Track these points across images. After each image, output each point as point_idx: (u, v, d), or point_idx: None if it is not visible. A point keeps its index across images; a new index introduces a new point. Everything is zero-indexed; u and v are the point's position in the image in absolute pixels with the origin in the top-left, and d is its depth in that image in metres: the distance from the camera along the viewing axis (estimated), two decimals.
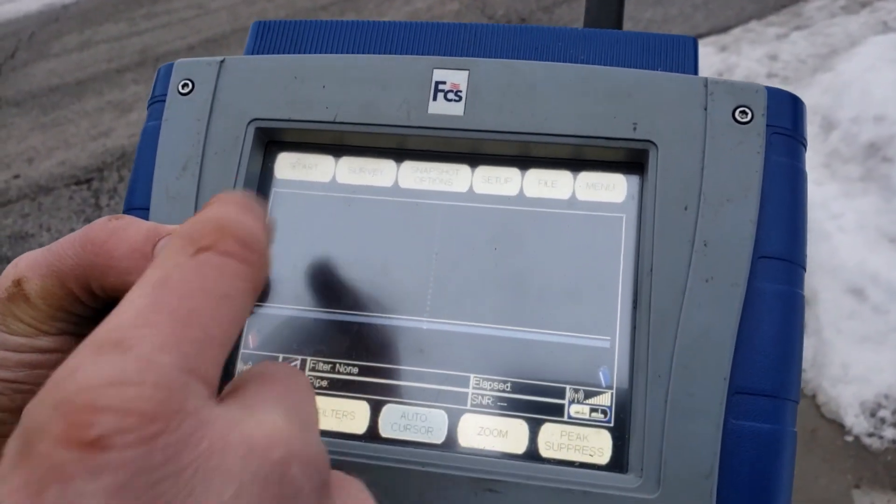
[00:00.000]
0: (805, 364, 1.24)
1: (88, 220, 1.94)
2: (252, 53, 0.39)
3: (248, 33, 0.40)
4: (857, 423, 1.25)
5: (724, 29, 2.29)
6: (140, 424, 0.15)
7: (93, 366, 0.16)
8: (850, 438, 1.23)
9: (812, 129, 1.63)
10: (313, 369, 0.33)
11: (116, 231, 0.33)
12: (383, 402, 0.32)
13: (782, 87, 0.33)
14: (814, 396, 1.28)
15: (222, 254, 0.20)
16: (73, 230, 1.98)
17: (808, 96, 1.70)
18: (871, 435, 1.23)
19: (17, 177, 2.14)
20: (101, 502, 0.15)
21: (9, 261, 1.88)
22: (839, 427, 1.25)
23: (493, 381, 0.32)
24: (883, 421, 1.24)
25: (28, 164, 2.16)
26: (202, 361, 0.18)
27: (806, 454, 1.21)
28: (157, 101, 0.37)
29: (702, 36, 2.26)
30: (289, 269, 0.34)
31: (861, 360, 1.26)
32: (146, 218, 0.34)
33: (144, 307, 0.18)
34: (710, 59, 2.12)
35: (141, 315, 0.18)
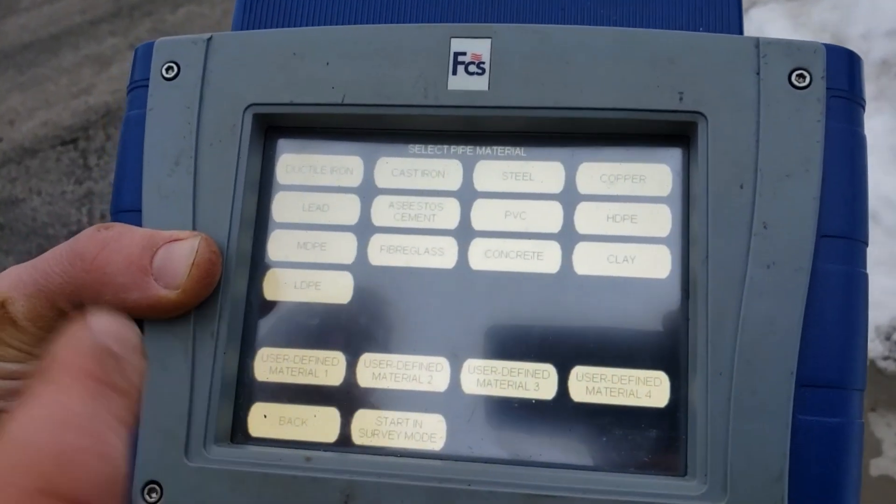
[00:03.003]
0: None
1: (79, 182, 1.84)
2: (241, 28, 0.33)
3: None
4: (872, 347, 1.21)
5: None
6: None
7: None
8: None
9: None
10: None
11: (108, 243, 0.27)
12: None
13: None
14: None
15: None
16: (63, 193, 1.88)
17: (816, 12, 1.58)
18: (886, 358, 1.21)
19: (0, 140, 2.02)
20: None
21: (2, 228, 1.78)
22: None
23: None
24: None
25: (10, 127, 2.03)
26: None
27: None
28: (137, 87, 0.31)
29: None
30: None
31: (875, 284, 1.21)
32: (138, 221, 0.29)
33: None
34: None
35: None
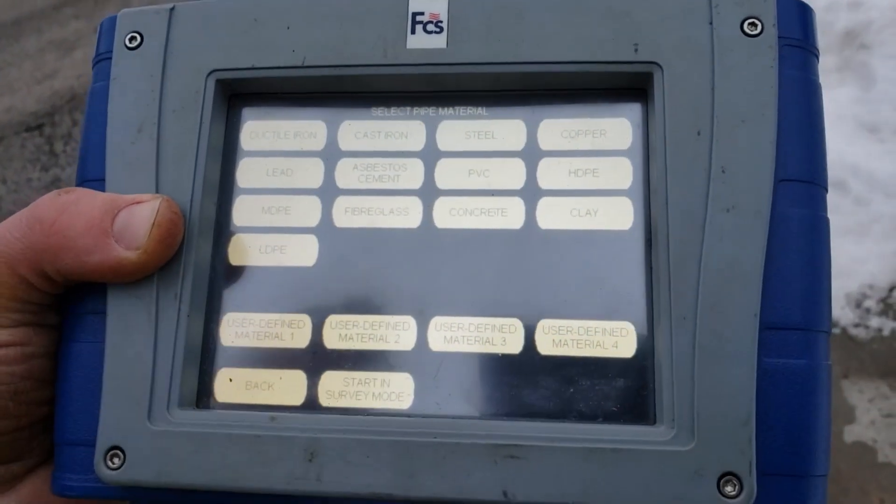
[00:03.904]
0: None
1: (45, 168, 1.78)
2: None
3: None
4: (843, 314, 1.21)
5: None
6: None
7: None
8: (836, 331, 1.20)
9: None
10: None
11: (67, 207, 0.27)
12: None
13: None
14: None
15: None
16: (29, 180, 1.82)
17: None
18: (857, 325, 1.20)
19: None
20: None
21: None
22: None
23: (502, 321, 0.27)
24: (868, 311, 1.21)
25: None
26: None
27: None
28: (102, 59, 0.31)
29: None
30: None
31: (844, 252, 1.21)
32: (102, 189, 0.29)
33: None
34: None
35: None
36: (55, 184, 1.76)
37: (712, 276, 0.26)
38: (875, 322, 1.21)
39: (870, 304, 1.22)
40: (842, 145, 1.25)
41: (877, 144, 1.31)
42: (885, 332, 1.19)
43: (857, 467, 1.06)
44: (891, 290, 1.22)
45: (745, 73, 0.27)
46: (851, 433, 1.10)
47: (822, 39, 1.46)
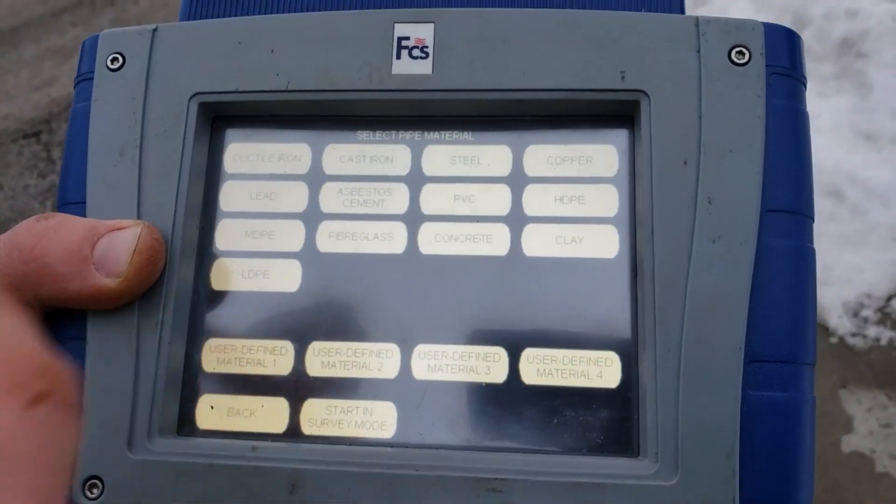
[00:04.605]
0: None
1: (42, 175, 1.78)
2: (188, 19, 0.32)
3: None
4: (840, 324, 1.21)
5: None
6: None
7: None
8: (834, 340, 1.20)
9: None
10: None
11: (46, 233, 0.27)
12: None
13: None
14: None
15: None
16: (26, 187, 1.82)
17: None
18: (854, 335, 1.20)
19: None
20: None
21: None
22: (823, 330, 1.21)
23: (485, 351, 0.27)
24: (866, 320, 1.21)
25: None
26: None
27: None
28: (84, 80, 0.30)
29: None
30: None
31: (842, 261, 1.21)
32: (82, 213, 0.28)
33: None
34: None
35: None
36: (52, 190, 1.76)
37: (698, 307, 0.25)
38: (873, 331, 1.21)
39: (867, 313, 1.22)
40: (839, 154, 1.25)
41: (874, 153, 1.31)
42: (883, 342, 1.19)
43: (854, 478, 1.06)
44: (888, 299, 1.22)
45: (732, 102, 0.27)
46: (849, 443, 1.10)
47: (820, 48, 1.47)
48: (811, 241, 0.27)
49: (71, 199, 0.29)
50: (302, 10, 0.32)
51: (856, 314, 1.22)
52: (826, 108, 1.35)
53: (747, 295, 0.25)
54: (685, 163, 0.26)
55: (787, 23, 1.53)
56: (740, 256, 0.26)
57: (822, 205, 1.22)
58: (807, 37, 1.47)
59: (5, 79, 1.99)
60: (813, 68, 1.43)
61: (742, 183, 0.26)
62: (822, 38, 1.46)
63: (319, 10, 0.31)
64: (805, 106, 0.28)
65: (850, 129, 1.32)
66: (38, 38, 2.05)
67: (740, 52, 0.27)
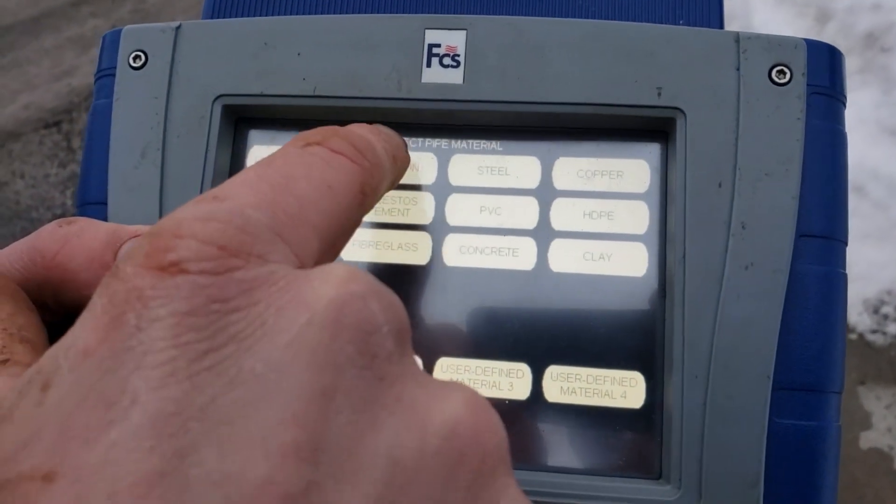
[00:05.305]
0: None
1: (63, 165, 1.80)
2: (211, 16, 0.31)
3: None
4: (860, 320, 1.21)
5: None
6: (218, 255, 0.14)
7: (188, 208, 0.15)
8: (853, 336, 1.20)
9: (807, 23, 1.50)
10: None
11: (69, 239, 0.26)
12: None
13: None
14: None
15: (331, 150, 0.19)
16: (47, 176, 1.84)
17: None
18: (874, 332, 1.20)
19: None
20: (171, 328, 0.13)
21: None
22: None
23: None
24: (886, 317, 1.20)
25: None
26: (294, 233, 0.16)
27: None
28: (105, 76, 0.30)
29: None
30: None
31: (863, 257, 1.20)
32: (104, 214, 0.28)
33: (248, 177, 0.17)
34: None
35: (243, 181, 0.16)
36: (72, 179, 1.77)
37: (727, 334, 0.25)
38: (893, 328, 1.20)
39: (888, 310, 1.21)
40: (862, 149, 1.24)
41: None
42: None
43: (873, 474, 1.07)
44: None
45: (771, 124, 0.26)
46: (867, 440, 1.11)
47: (844, 42, 1.44)
48: (843, 266, 0.27)
49: (92, 199, 0.29)
50: (330, 13, 0.31)
51: (876, 311, 1.21)
52: (849, 103, 1.32)
53: (778, 323, 0.25)
54: (720, 185, 0.26)
55: (810, 16, 1.50)
56: (773, 284, 0.25)
57: None
58: (830, 30, 1.44)
59: (27, 68, 1.99)
60: None
61: (777, 208, 0.26)
62: (845, 32, 1.43)
63: (348, 13, 0.30)
64: (844, 126, 0.27)
65: (874, 124, 1.30)
66: (58, 28, 2.04)
67: (781, 72, 0.26)
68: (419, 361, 0.27)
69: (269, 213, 0.16)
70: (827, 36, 1.42)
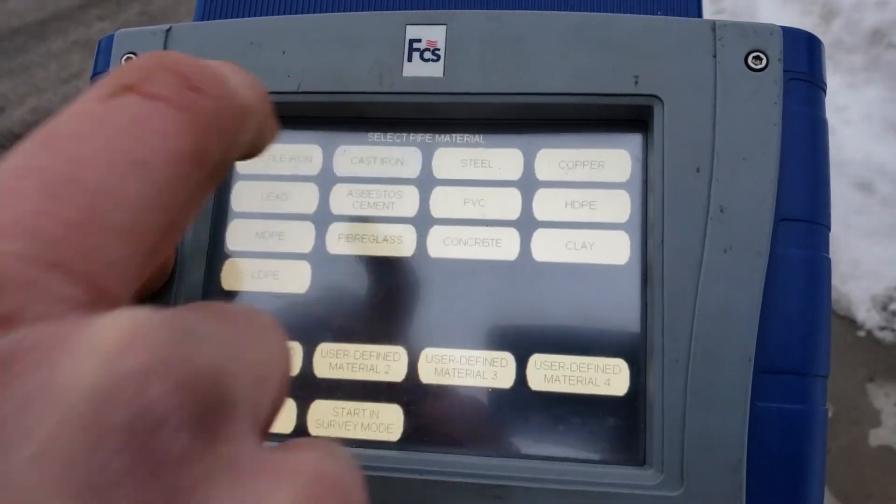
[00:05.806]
0: None
1: None
2: (202, 19, 0.32)
3: None
4: (868, 317, 1.19)
5: None
6: None
7: None
8: (862, 333, 1.18)
9: (812, 20, 1.49)
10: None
11: None
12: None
13: None
14: None
15: (146, 96, 0.13)
16: None
17: None
18: (882, 328, 1.18)
19: None
20: None
21: None
22: (851, 323, 1.19)
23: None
24: (894, 314, 1.19)
25: (0, 114, 2.00)
26: (77, 250, 0.11)
27: None
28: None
29: None
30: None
31: (871, 254, 1.19)
32: None
33: (12, 169, 0.12)
34: None
35: (4, 178, 0.11)
36: None
37: (707, 317, 0.25)
38: None
39: None
40: (869, 146, 1.23)
41: None
42: None
43: (881, 471, 1.05)
44: None
45: (748, 108, 0.26)
46: (877, 437, 1.09)
47: (850, 38, 1.43)
48: (826, 250, 0.27)
49: None
50: (314, 12, 0.32)
51: (884, 307, 1.19)
52: (856, 100, 1.32)
53: (758, 306, 0.25)
54: (698, 170, 0.26)
55: (815, 14, 1.50)
56: (752, 267, 0.25)
57: (851, 197, 1.20)
58: (836, 27, 1.43)
59: (35, 72, 2.02)
60: (842, 59, 1.39)
61: (756, 192, 0.26)
62: (851, 29, 1.42)
63: (331, 12, 0.31)
64: (824, 112, 0.27)
65: (880, 121, 1.29)
66: (65, 31, 2.08)
67: (757, 58, 0.26)
68: (404, 352, 0.28)
69: (27, 238, 0.11)
70: (833, 33, 1.41)
